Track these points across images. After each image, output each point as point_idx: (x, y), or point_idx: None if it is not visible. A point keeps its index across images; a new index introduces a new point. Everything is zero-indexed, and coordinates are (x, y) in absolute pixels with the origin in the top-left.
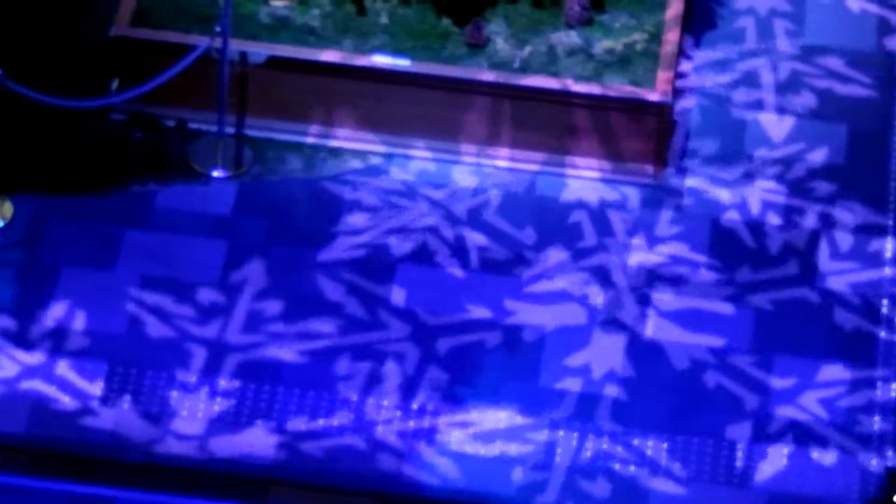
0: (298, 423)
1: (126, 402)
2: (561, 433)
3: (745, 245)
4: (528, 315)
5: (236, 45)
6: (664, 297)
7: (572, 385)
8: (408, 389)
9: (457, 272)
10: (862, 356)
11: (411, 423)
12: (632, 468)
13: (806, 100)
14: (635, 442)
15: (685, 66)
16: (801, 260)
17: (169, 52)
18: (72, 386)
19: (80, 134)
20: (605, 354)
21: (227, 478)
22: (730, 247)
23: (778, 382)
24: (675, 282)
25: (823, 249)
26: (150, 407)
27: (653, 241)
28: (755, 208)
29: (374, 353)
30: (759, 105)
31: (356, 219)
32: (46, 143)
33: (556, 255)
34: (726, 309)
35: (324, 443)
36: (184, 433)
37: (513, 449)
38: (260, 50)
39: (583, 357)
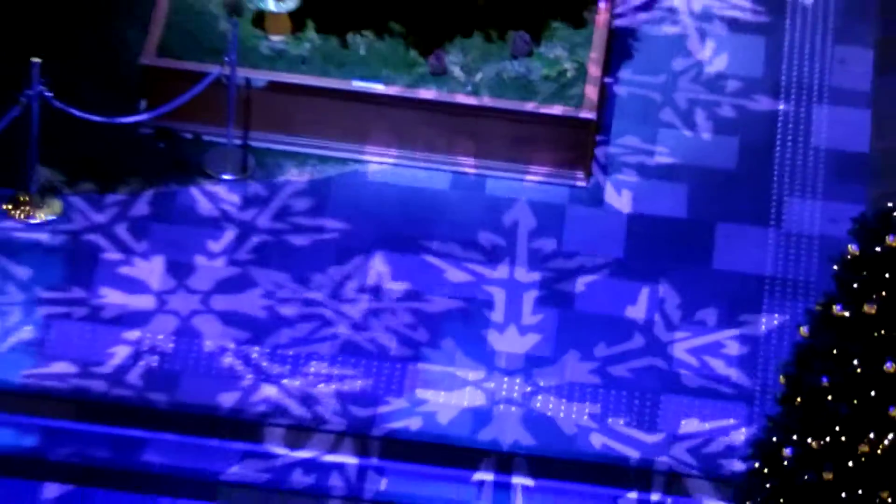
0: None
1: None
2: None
3: (651, 235)
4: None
5: (242, 73)
6: (587, 279)
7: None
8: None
9: (429, 258)
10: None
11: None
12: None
13: (706, 115)
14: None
15: (607, 88)
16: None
17: (187, 77)
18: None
19: (115, 145)
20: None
21: (231, 422)
22: (640, 238)
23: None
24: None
25: (718, 237)
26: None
27: (577, 230)
28: (661, 206)
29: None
30: (670, 120)
31: (339, 212)
32: (88, 153)
33: (495, 241)
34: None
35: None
36: None
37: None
38: (261, 76)
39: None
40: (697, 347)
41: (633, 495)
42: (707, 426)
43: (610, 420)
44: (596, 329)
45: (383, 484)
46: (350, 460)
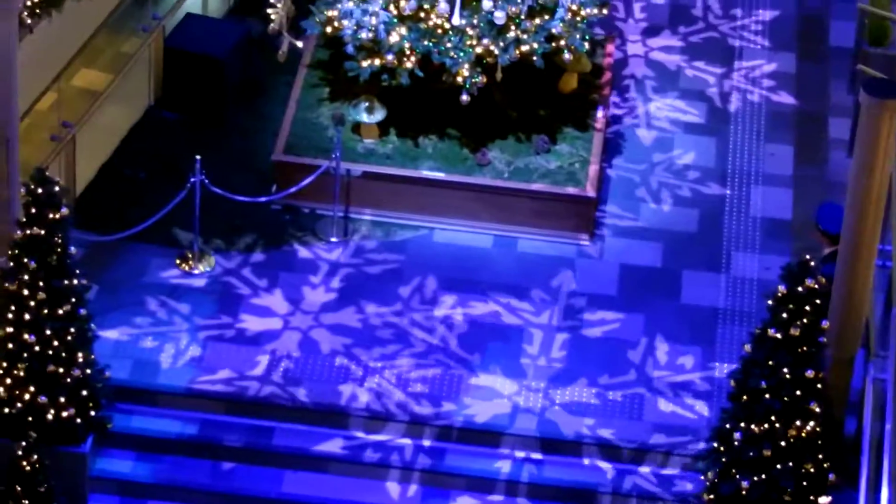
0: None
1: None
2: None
3: (636, 279)
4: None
5: (344, 165)
6: (590, 317)
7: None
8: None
9: (483, 305)
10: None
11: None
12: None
13: (676, 194)
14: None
15: (603, 172)
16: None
17: (305, 169)
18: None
19: (254, 218)
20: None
21: (329, 413)
22: (628, 281)
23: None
24: (594, 302)
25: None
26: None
27: (583, 276)
28: (642, 258)
29: (417, 333)
30: (649, 197)
31: (413, 260)
32: (234, 223)
33: (537, 292)
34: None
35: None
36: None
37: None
38: (358, 168)
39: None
40: (670, 361)
41: (608, 466)
42: (674, 438)
43: (600, 430)
44: (602, 363)
45: (432, 460)
46: (408, 442)
